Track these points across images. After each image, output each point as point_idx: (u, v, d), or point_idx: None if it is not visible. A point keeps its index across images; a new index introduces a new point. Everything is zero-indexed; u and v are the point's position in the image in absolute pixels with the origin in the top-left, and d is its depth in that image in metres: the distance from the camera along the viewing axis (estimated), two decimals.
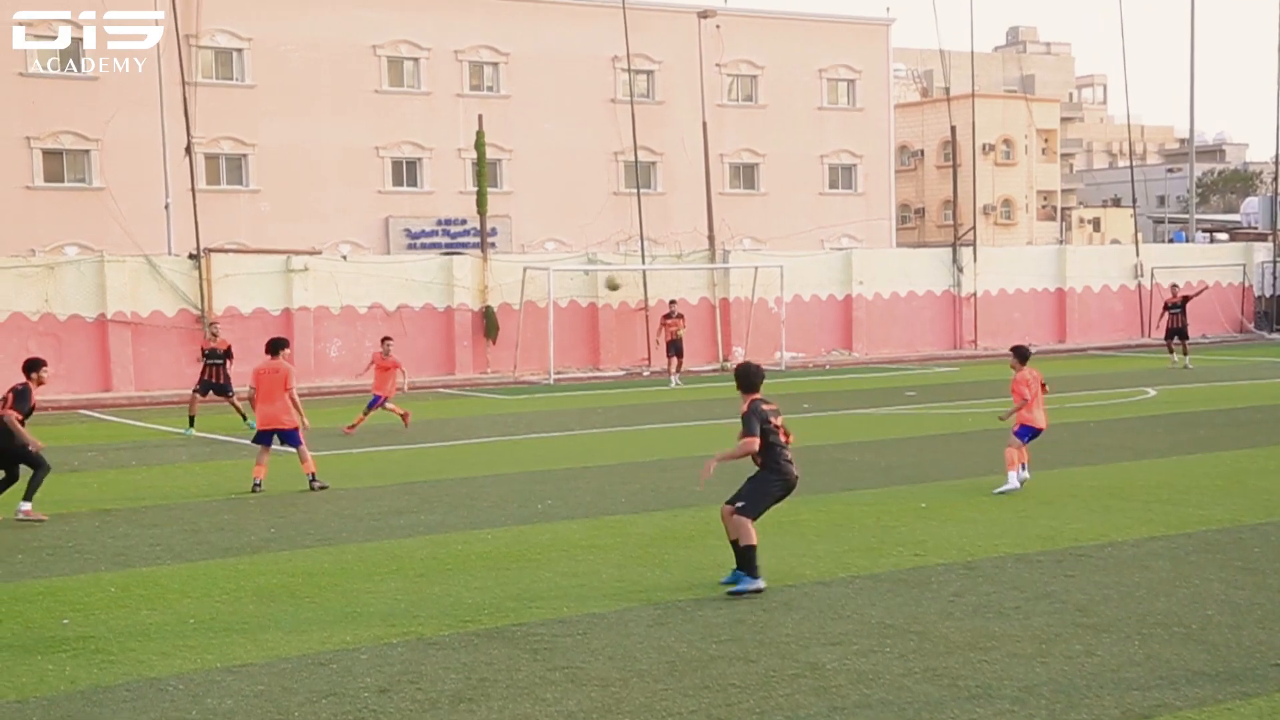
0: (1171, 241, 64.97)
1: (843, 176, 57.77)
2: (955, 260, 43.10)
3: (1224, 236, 65.20)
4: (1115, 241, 75.06)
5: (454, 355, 35.87)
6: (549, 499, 14.91)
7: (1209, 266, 46.98)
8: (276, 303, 33.91)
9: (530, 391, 31.85)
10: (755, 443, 9.94)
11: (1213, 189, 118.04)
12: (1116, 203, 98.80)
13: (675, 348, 32.66)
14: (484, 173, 38.57)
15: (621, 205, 49.47)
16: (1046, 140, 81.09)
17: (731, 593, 9.99)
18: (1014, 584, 10.25)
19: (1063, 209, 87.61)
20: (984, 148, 74.74)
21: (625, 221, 47.30)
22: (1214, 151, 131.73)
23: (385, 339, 23.37)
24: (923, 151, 78.78)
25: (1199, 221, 71.20)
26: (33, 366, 14.80)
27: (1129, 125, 54.67)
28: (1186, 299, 33.95)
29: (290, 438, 16.12)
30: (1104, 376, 31.36)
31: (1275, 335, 45.88)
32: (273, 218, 46.31)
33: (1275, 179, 63.86)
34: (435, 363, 35.82)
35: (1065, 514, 13.17)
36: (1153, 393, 26.64)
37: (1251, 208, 70.11)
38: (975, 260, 43.29)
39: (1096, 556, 11.16)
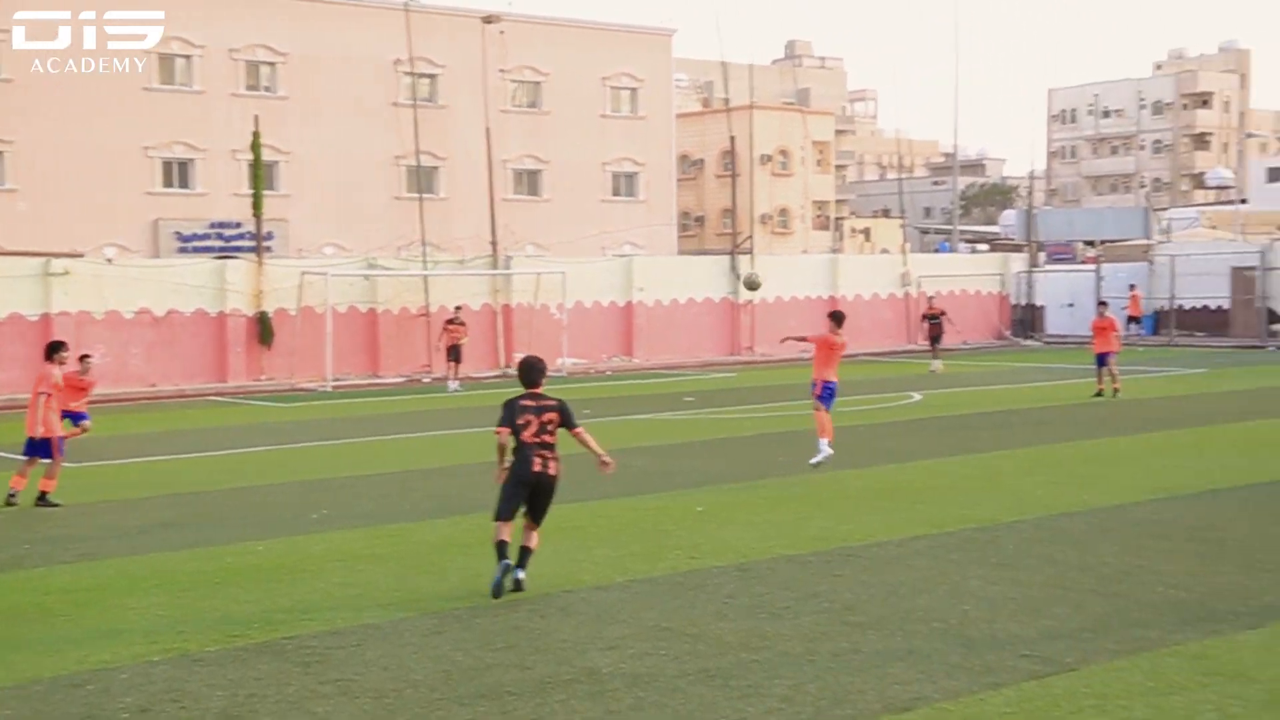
0: (937, 251, 67.75)
1: (625, 184, 58.34)
2: (734, 268, 43.96)
3: (984, 247, 68.45)
4: (885, 251, 77.81)
5: (227, 362, 34.77)
6: (325, 508, 14.59)
7: (971, 276, 49.22)
8: (34, 307, 32.25)
9: (307, 399, 31.14)
10: (501, 434, 10.24)
11: (974, 201, 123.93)
12: (886, 213, 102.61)
13: (455, 353, 32.71)
14: (260, 175, 37.57)
15: (403, 210, 48.82)
16: (821, 152, 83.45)
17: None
18: (786, 585, 10.52)
19: (836, 219, 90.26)
20: (762, 158, 76.57)
21: (407, 226, 46.68)
22: (976, 166, 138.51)
23: (84, 356, 20.15)
24: (703, 160, 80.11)
25: (962, 232, 74.57)
26: None
27: (898, 139, 56.80)
28: (943, 313, 36.61)
29: (42, 448, 15.29)
30: (874, 382, 32.46)
31: (1030, 342, 48.31)
32: (31, 218, 44.01)
33: (1030, 193, 67.53)
34: (207, 370, 34.65)
35: (836, 515, 13.60)
36: (918, 397, 27.73)
37: (1009, 220, 73.77)
38: (753, 268, 44.20)
39: (864, 556, 11.55)
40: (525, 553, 10.35)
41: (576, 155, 55.90)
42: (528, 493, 10.18)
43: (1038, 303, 49.97)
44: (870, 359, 42.25)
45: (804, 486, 15.60)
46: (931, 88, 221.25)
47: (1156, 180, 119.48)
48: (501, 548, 10.13)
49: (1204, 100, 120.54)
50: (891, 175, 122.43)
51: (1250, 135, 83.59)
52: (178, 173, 47.57)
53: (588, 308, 40.82)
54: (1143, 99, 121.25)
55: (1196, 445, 18.90)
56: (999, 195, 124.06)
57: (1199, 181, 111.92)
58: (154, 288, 33.92)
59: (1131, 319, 45.67)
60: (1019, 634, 8.87)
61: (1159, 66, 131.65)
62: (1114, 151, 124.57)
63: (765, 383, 32.63)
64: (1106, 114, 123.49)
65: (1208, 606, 9.54)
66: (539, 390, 10.36)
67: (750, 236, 46.56)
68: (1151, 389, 28.46)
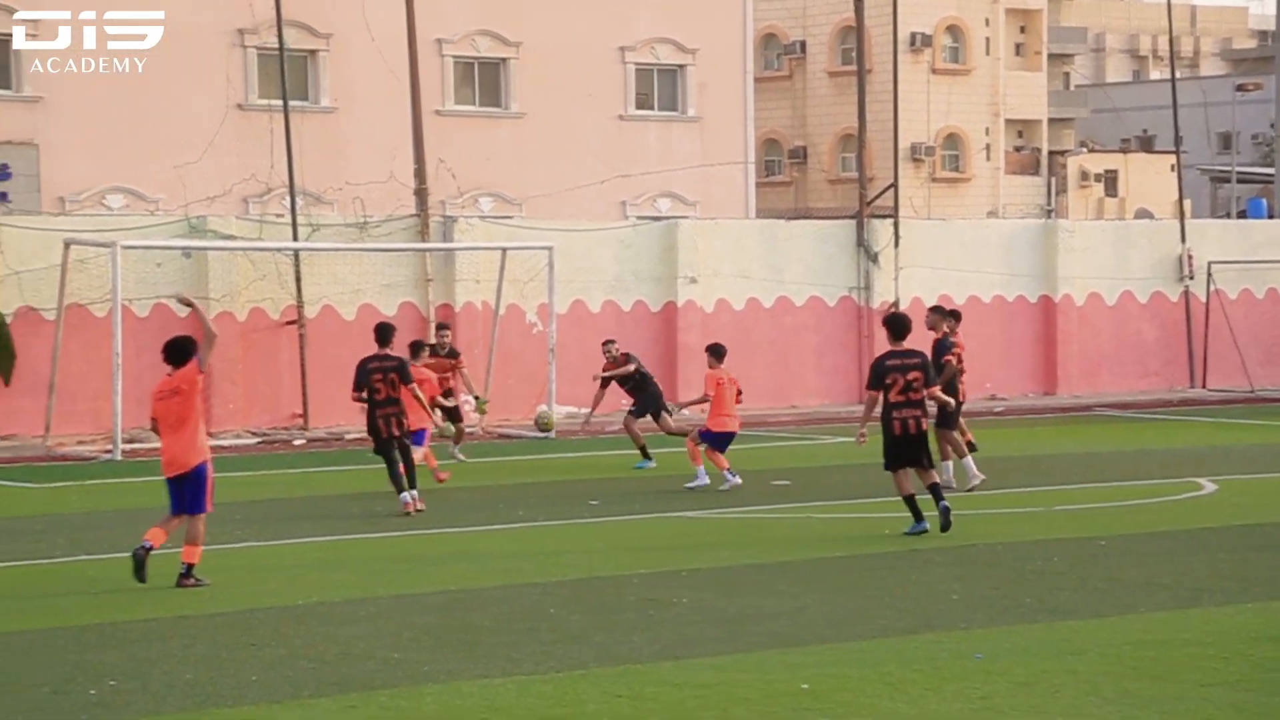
0: (1244, 216, 67.57)
1: (662, 88, 58.45)
2: (862, 241, 43.95)
3: None
4: (1145, 214, 77.78)
5: None
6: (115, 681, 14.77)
7: None
8: None
9: (76, 475, 31.52)
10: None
11: None
12: (1147, 144, 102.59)
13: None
14: None
15: (253, 130, 49.07)
16: (1024, 29, 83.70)
17: None
18: None
19: (1052, 154, 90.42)
20: (913, 41, 76.88)
21: (260, 160, 46.95)
22: None
23: None
24: (804, 45, 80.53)
25: None
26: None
27: (1170, 5, 56.69)
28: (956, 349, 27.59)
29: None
30: (1125, 457, 32.66)
31: None
32: None
33: None
34: None
35: None
36: (1210, 487, 27.73)
37: None
38: (897, 243, 44.22)
39: None
40: None
41: (573, 35, 56.15)
42: None
43: None
44: (1116, 413, 42.17)
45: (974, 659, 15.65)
46: None
47: None
48: None
49: None
50: (1157, 75, 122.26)
51: None
52: None
53: (594, 312, 40.85)
54: None
55: None
56: None
57: None
58: None
59: None
60: None
61: None
62: None
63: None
64: None
65: None
66: None
67: (892, 185, 46.52)
68: None
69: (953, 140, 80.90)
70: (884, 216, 45.28)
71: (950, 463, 26.68)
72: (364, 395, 25.03)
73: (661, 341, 41.77)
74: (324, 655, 15.46)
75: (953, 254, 45.22)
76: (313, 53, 53.10)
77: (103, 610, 18.01)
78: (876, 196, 46.82)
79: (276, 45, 41.53)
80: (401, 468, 24.74)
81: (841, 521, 23.22)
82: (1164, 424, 39.62)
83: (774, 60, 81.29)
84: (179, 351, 20.22)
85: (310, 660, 15.25)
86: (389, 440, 24.81)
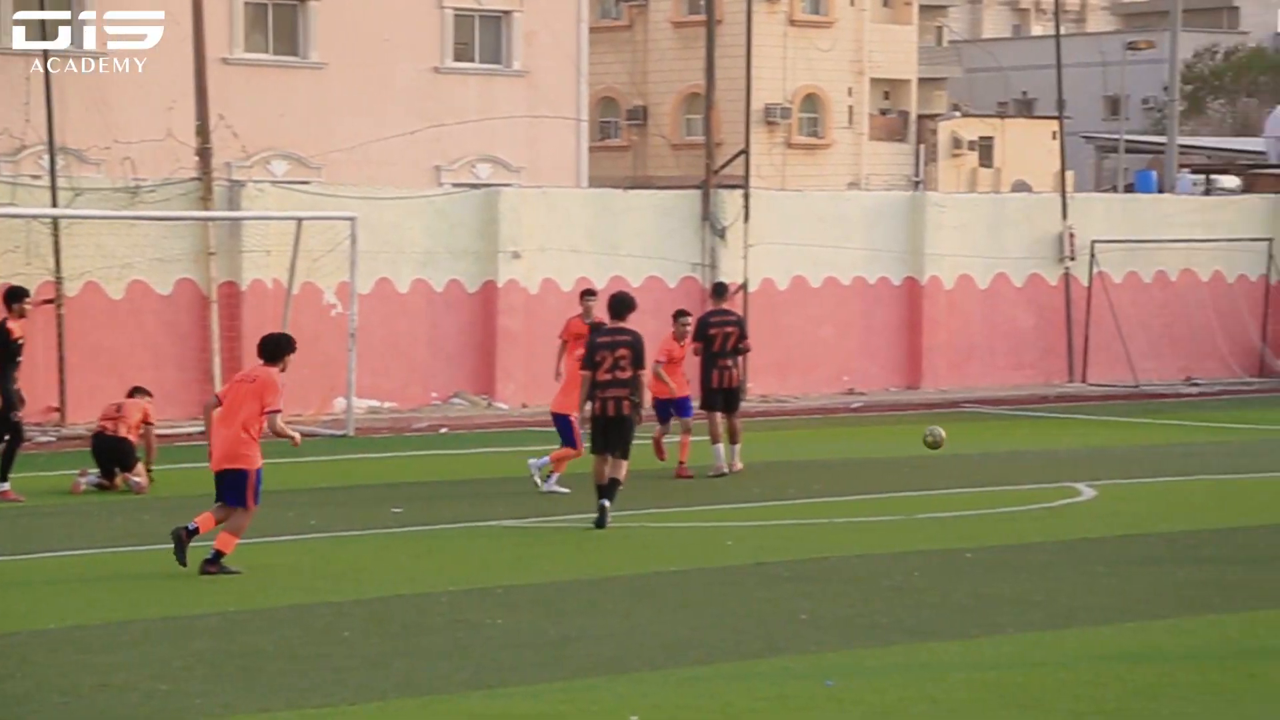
0: (1132, 189, 68.20)
1: (484, 37, 58.36)
2: (708, 215, 43.93)
3: (1231, 182, 68.76)
4: (1022, 185, 78.33)
5: None
6: None
7: (1203, 245, 49.42)
8: None
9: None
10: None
11: (1212, 85, 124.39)
12: (1026, 108, 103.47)
13: None
14: None
15: (6, 79, 48.60)
16: None
17: None
18: None
19: (921, 118, 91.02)
20: None
21: (13, 113, 46.54)
22: (1217, 10, 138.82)
23: None
24: None
25: (1186, 151, 75.05)
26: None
27: None
28: (741, 333, 31.36)
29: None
30: (995, 459, 32.94)
31: None
32: None
33: None
34: None
35: None
36: (1089, 493, 28.11)
37: None
38: (747, 217, 44.25)
39: None
40: None
41: None
42: None
43: None
44: (988, 409, 42.56)
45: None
46: None
47: None
48: None
49: None
50: (1040, 30, 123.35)
51: None
52: None
53: (402, 292, 40.70)
54: None
55: None
56: (1265, 72, 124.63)
57: None
58: None
59: None
60: None
61: None
62: None
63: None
64: None
65: None
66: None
67: (743, 151, 46.62)
68: None
69: (811, 101, 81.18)
70: (733, 187, 45.19)
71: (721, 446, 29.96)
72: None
73: (479, 326, 41.60)
74: (77, 687, 15.23)
75: (809, 229, 45.19)
76: None
77: None
78: (725, 164, 46.82)
79: None
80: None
81: (676, 531, 23.23)
82: (1039, 422, 40.02)
83: (611, 8, 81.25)
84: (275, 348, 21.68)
85: (53, 690, 15.07)
86: None
